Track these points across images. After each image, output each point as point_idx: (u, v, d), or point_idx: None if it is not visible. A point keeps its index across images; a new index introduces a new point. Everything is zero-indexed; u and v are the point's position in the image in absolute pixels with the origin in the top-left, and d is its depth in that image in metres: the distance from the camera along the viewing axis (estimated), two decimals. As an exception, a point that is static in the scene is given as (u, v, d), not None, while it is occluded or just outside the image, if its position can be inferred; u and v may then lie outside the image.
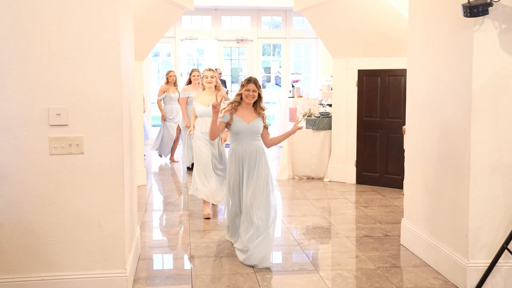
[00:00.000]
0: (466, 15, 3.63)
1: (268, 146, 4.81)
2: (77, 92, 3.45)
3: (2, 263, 3.49)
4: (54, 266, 3.53)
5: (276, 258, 4.73)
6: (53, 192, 3.48)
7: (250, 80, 4.69)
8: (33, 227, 3.49)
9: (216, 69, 7.19)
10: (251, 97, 4.64)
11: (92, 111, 3.48)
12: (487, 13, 3.59)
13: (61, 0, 3.38)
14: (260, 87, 4.72)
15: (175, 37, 12.38)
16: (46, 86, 3.42)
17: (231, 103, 4.70)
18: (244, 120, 4.65)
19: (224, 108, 4.69)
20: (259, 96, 4.70)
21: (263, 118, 4.72)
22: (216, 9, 12.46)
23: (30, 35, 3.38)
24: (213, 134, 4.62)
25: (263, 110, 4.72)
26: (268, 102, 13.30)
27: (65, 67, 3.42)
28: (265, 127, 4.75)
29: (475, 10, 3.58)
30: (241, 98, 4.67)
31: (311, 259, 4.65)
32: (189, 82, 8.54)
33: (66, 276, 3.54)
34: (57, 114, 3.42)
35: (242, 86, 4.69)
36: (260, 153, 4.67)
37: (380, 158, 7.65)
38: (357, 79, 7.73)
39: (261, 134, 4.72)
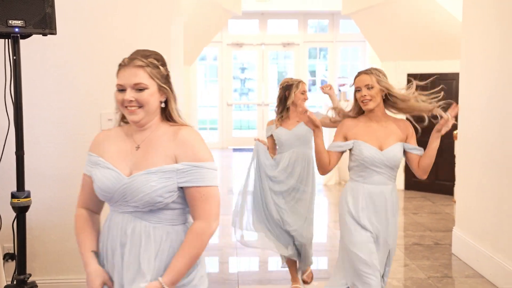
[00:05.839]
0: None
1: None
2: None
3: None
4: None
5: (321, 262, 4.67)
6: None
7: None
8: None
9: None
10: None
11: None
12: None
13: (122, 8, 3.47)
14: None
15: (221, 41, 12.45)
16: (100, 91, 3.50)
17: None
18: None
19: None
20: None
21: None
22: (262, 13, 12.46)
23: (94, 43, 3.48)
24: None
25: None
26: (314, 106, 13.18)
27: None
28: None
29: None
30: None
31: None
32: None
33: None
34: (109, 119, 3.49)
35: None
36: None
37: (430, 163, 7.45)
38: (406, 83, 7.56)
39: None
